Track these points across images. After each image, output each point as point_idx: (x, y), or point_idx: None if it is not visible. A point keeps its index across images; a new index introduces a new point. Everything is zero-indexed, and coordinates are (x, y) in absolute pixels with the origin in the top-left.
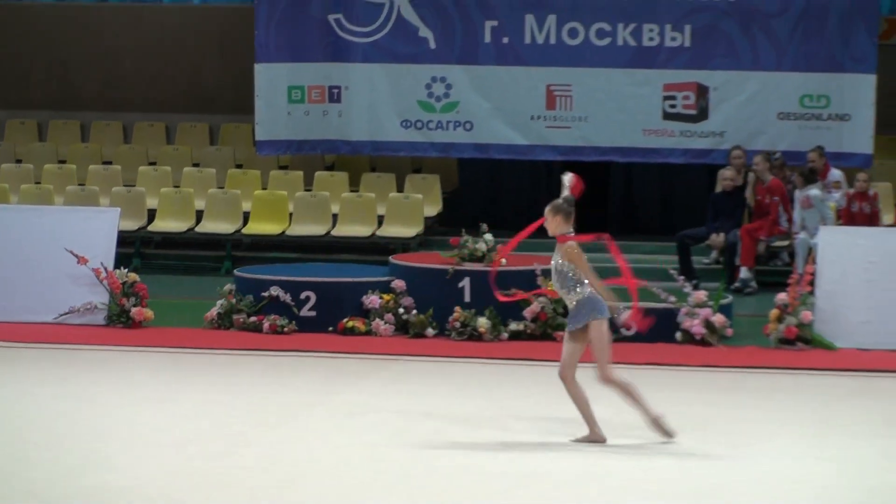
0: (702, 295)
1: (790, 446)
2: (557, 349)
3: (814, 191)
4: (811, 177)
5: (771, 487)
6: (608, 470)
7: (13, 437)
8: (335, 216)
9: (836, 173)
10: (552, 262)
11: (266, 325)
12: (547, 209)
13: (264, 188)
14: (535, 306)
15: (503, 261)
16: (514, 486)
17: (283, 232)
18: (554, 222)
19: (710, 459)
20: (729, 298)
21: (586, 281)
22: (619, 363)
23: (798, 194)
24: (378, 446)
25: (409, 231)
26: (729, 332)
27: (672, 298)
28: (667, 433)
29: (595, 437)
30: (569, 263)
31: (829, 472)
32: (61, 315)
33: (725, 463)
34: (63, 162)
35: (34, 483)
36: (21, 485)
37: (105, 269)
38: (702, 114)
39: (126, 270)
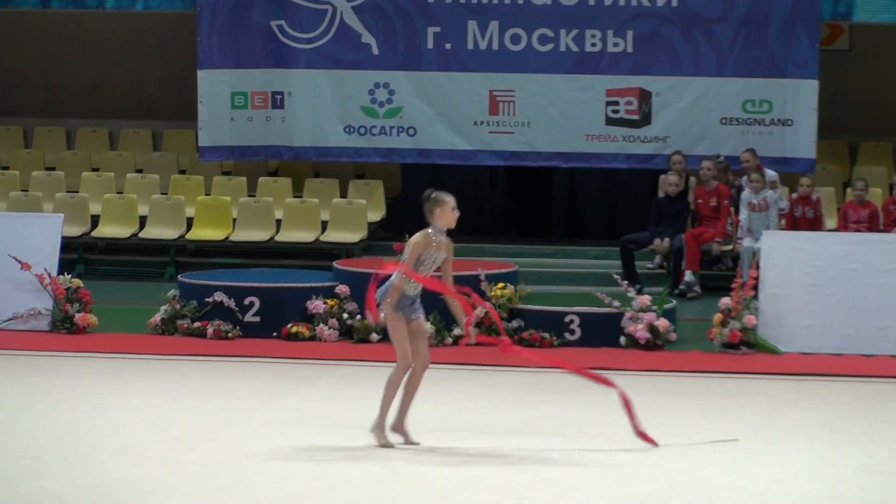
0: (646, 299)
1: (732, 451)
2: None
3: (769, 192)
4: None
5: (708, 493)
6: (546, 478)
7: None
8: (279, 222)
9: (771, 173)
10: (430, 256)
11: (210, 330)
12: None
13: (208, 194)
14: (478, 311)
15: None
16: (453, 491)
17: (227, 237)
18: (434, 217)
19: (649, 465)
20: (673, 303)
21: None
22: (562, 368)
23: (747, 197)
24: (321, 451)
25: (353, 236)
26: (673, 336)
27: (616, 303)
28: (385, 442)
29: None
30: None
31: (769, 477)
32: (4, 321)
33: (664, 469)
34: (6, 168)
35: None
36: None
37: (48, 274)
38: (644, 119)
39: (70, 276)
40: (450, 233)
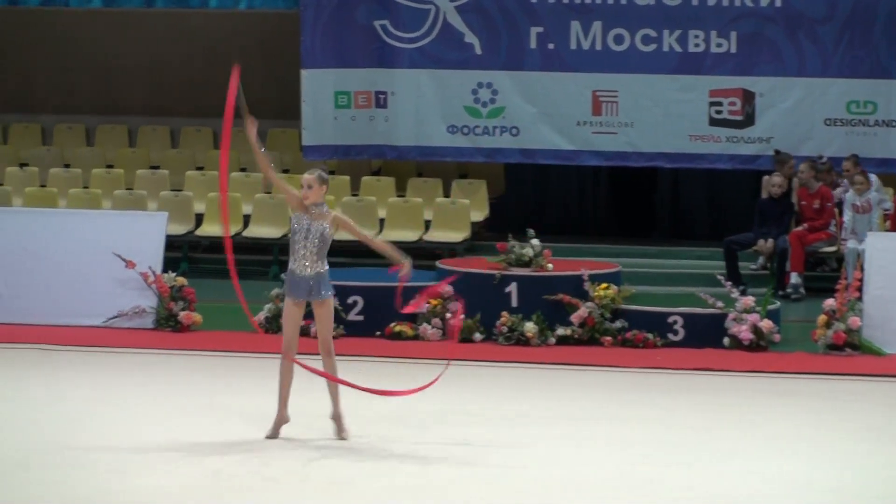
0: (749, 300)
1: (836, 452)
2: (605, 354)
3: (872, 193)
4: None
5: (808, 495)
6: (650, 477)
7: (48, 440)
8: (382, 221)
9: (872, 177)
10: (306, 228)
11: (313, 329)
12: (314, 178)
13: None
14: (582, 311)
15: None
16: (551, 489)
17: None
18: (320, 192)
19: (749, 464)
20: (777, 304)
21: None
22: (667, 368)
23: (851, 199)
24: (424, 451)
25: (457, 236)
26: (776, 337)
27: (720, 304)
28: (341, 432)
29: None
30: (334, 231)
31: (882, 479)
32: (110, 319)
33: (760, 469)
34: (111, 167)
35: (76, 487)
36: (60, 488)
37: (153, 273)
38: (748, 120)
39: (174, 274)
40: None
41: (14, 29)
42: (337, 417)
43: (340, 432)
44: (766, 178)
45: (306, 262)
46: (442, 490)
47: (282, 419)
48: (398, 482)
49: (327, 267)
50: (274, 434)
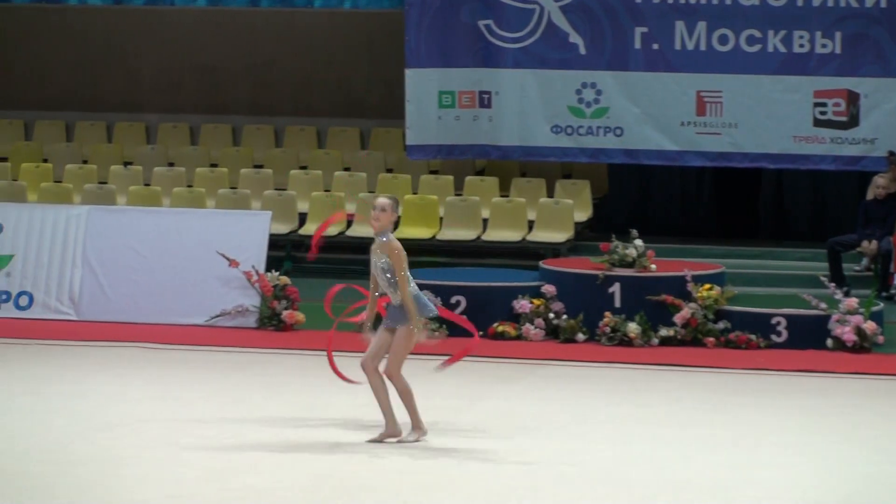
0: (853, 302)
1: None
2: (707, 355)
3: None
4: None
5: None
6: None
7: (153, 437)
8: (485, 221)
9: None
10: (375, 261)
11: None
12: (388, 203)
13: (415, 193)
14: (685, 312)
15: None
16: (655, 492)
17: (434, 236)
18: (391, 219)
19: (853, 467)
20: (880, 305)
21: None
22: (769, 369)
23: None
24: (527, 451)
25: (560, 236)
26: (880, 339)
27: (823, 305)
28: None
29: (392, 432)
30: (390, 263)
31: None
32: (213, 318)
33: (865, 471)
34: (215, 165)
35: (183, 484)
36: (170, 487)
37: (256, 272)
38: (852, 121)
39: (277, 273)
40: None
41: (119, 28)
42: (417, 429)
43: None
44: (873, 178)
45: (391, 293)
46: (549, 490)
47: (392, 432)
48: (502, 483)
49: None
50: (380, 439)
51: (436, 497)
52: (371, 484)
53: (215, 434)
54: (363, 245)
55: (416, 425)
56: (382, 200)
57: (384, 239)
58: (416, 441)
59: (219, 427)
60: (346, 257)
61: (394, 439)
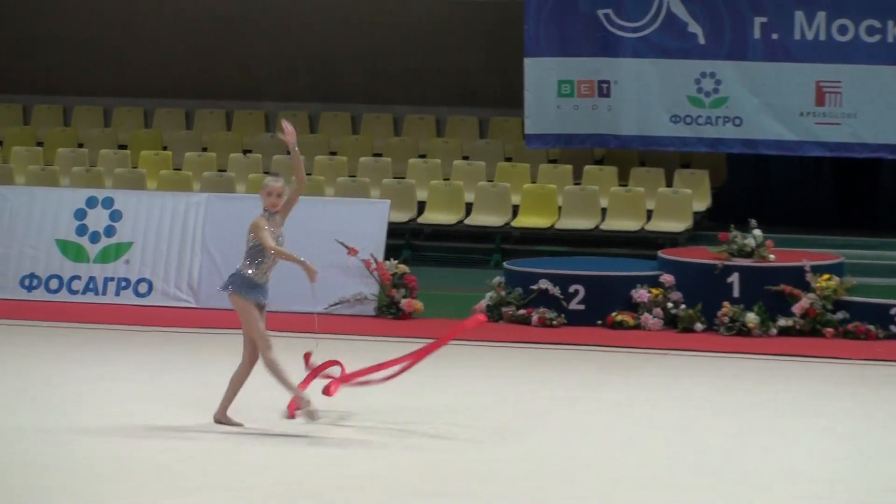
0: None
1: None
2: (826, 345)
3: None
4: None
5: None
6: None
7: (277, 426)
8: (604, 210)
9: None
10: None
11: (535, 317)
12: (283, 186)
13: (533, 181)
14: (804, 302)
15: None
16: (769, 484)
17: (552, 225)
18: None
19: None
20: None
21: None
22: (888, 360)
23: None
24: (643, 440)
25: (678, 226)
26: None
27: None
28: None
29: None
30: (252, 236)
31: None
32: (332, 305)
33: None
34: (334, 154)
35: (299, 470)
36: (279, 475)
37: (375, 260)
38: None
39: (396, 262)
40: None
41: (236, 18)
42: (305, 404)
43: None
44: None
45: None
46: (664, 482)
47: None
48: (618, 473)
49: (238, 267)
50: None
51: (551, 487)
52: (485, 472)
53: (329, 421)
54: (481, 234)
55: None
56: (277, 185)
57: (275, 218)
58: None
59: (332, 414)
60: (464, 245)
61: (306, 410)
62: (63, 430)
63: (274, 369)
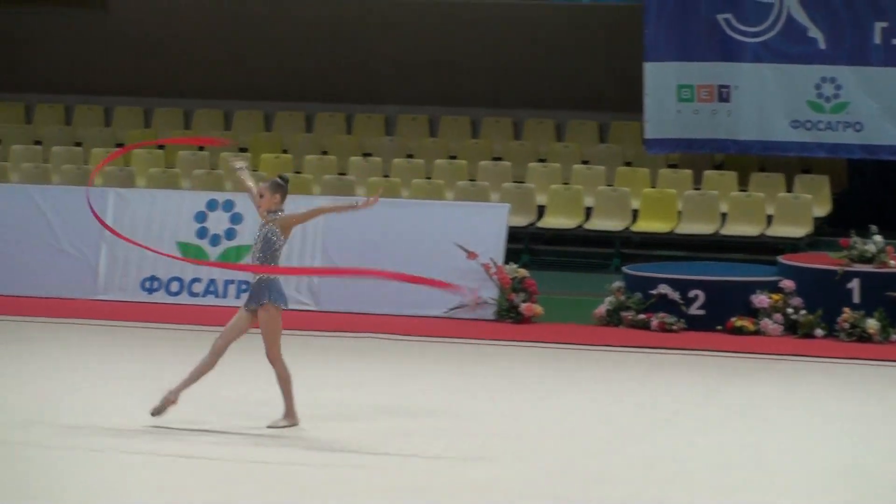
0: None
1: None
2: None
3: None
4: None
5: None
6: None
7: (393, 429)
8: (724, 215)
9: None
10: (258, 229)
11: (654, 322)
12: (265, 186)
13: (653, 186)
14: None
15: None
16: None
17: (672, 230)
18: (273, 200)
19: None
20: None
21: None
22: None
23: None
24: (760, 445)
25: (798, 231)
26: None
27: None
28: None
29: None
30: (283, 235)
31: None
32: (451, 309)
33: None
34: (454, 157)
35: (407, 475)
36: (404, 478)
37: (494, 264)
38: None
39: (515, 266)
40: None
41: (358, 20)
42: (289, 414)
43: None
44: None
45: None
46: (782, 485)
47: (172, 400)
48: (733, 476)
49: (273, 276)
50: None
51: (675, 491)
52: (608, 476)
53: (448, 425)
54: (600, 238)
55: (290, 413)
56: (261, 185)
57: (277, 215)
58: (286, 427)
59: (453, 419)
60: (584, 249)
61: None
62: (186, 432)
63: (286, 382)
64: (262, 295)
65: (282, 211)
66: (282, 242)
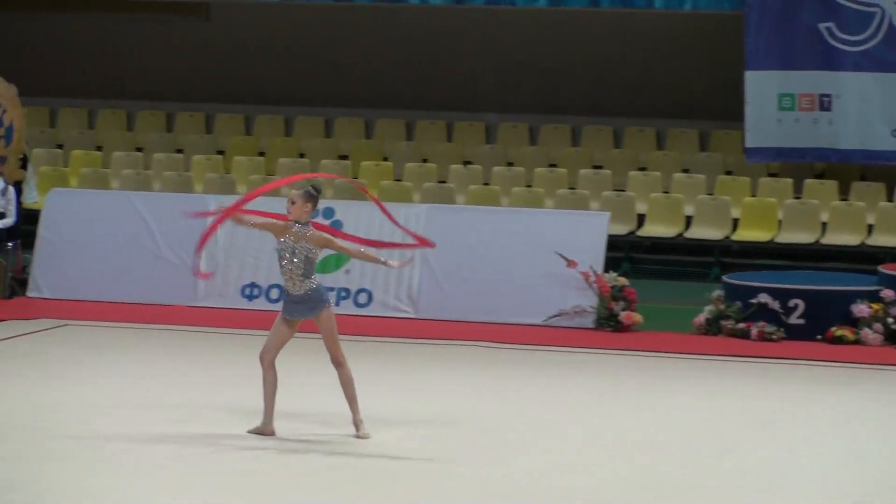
0: None
1: None
2: None
3: None
4: None
5: None
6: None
7: (491, 436)
8: (824, 224)
9: None
10: (290, 248)
11: (754, 331)
12: (298, 194)
13: (753, 195)
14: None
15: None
16: None
17: (772, 239)
18: (304, 209)
19: None
20: None
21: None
22: None
23: None
24: (860, 453)
25: None
26: None
27: None
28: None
29: (265, 430)
30: (319, 250)
31: None
32: (550, 318)
33: None
34: (553, 166)
35: (509, 482)
36: (500, 486)
37: (594, 272)
38: None
39: (615, 274)
40: None
41: (460, 28)
42: (356, 423)
43: (359, 432)
44: None
45: (295, 283)
46: (884, 496)
47: (267, 428)
48: (830, 482)
49: (317, 281)
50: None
51: (773, 501)
52: (705, 485)
53: (545, 434)
54: (700, 247)
55: (357, 419)
56: (293, 192)
57: (310, 230)
58: (362, 435)
59: (550, 427)
60: (683, 258)
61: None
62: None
63: (350, 386)
64: (318, 304)
65: (308, 223)
66: (319, 257)
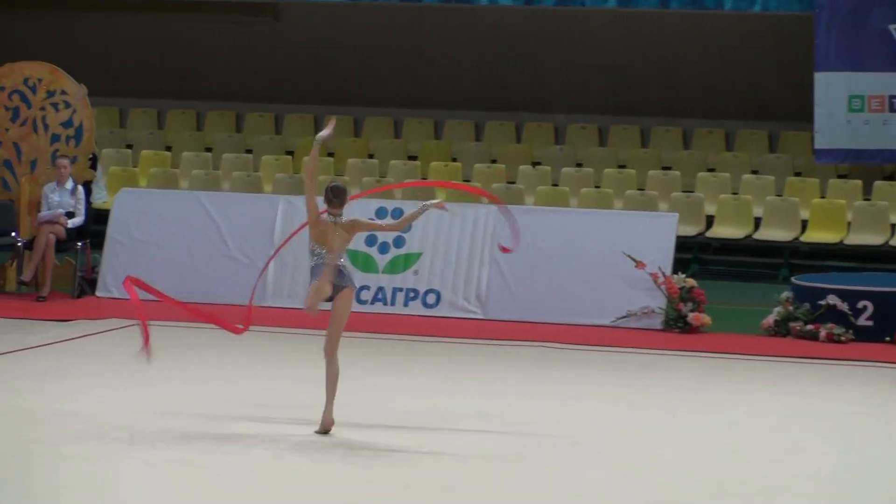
0: None
1: None
2: None
3: None
4: None
5: None
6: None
7: (561, 437)
8: (893, 226)
9: None
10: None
11: (822, 333)
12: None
13: (822, 196)
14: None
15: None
16: None
17: (841, 241)
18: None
19: None
20: None
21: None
22: None
23: None
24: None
25: None
26: None
27: None
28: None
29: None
30: (350, 236)
31: None
32: (619, 319)
33: None
34: (623, 167)
35: (586, 484)
36: (574, 486)
37: (663, 273)
38: None
39: (684, 276)
40: None
41: (530, 29)
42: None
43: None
44: None
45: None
46: None
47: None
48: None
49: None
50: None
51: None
52: (776, 486)
53: (615, 435)
54: (769, 248)
55: (326, 415)
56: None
57: (343, 219)
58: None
59: (619, 429)
60: (752, 259)
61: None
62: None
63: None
64: (348, 279)
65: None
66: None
